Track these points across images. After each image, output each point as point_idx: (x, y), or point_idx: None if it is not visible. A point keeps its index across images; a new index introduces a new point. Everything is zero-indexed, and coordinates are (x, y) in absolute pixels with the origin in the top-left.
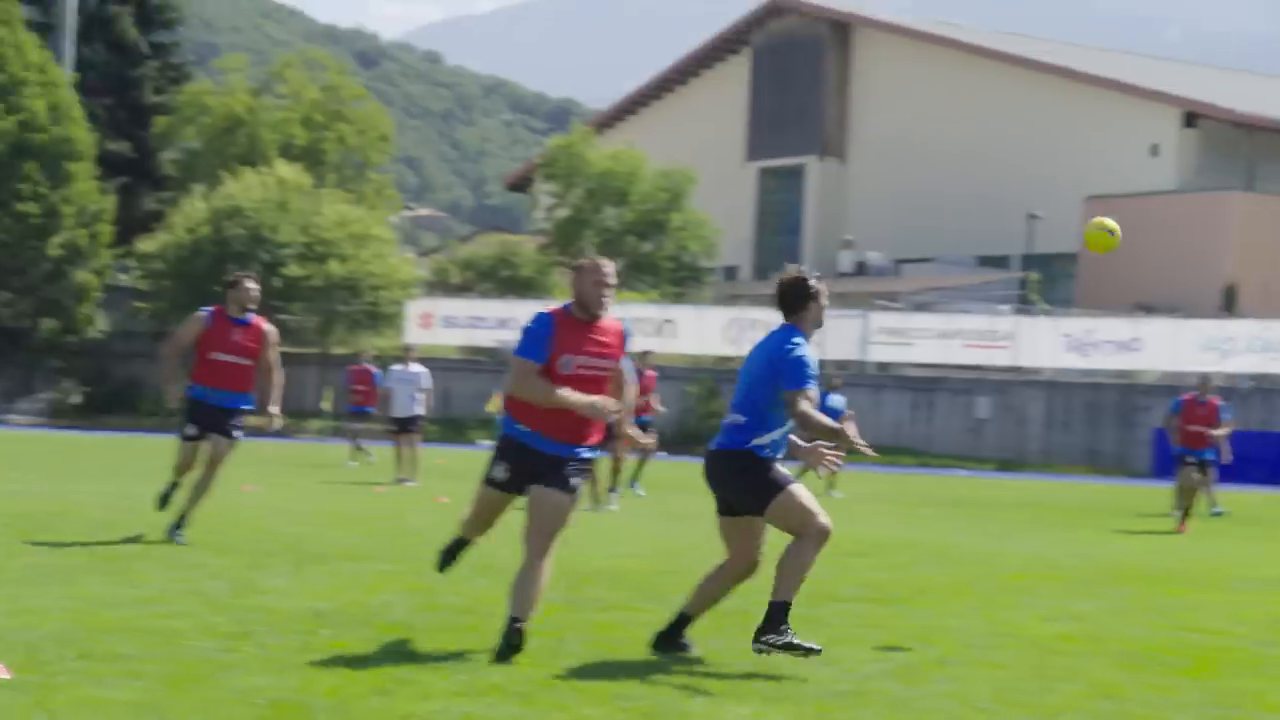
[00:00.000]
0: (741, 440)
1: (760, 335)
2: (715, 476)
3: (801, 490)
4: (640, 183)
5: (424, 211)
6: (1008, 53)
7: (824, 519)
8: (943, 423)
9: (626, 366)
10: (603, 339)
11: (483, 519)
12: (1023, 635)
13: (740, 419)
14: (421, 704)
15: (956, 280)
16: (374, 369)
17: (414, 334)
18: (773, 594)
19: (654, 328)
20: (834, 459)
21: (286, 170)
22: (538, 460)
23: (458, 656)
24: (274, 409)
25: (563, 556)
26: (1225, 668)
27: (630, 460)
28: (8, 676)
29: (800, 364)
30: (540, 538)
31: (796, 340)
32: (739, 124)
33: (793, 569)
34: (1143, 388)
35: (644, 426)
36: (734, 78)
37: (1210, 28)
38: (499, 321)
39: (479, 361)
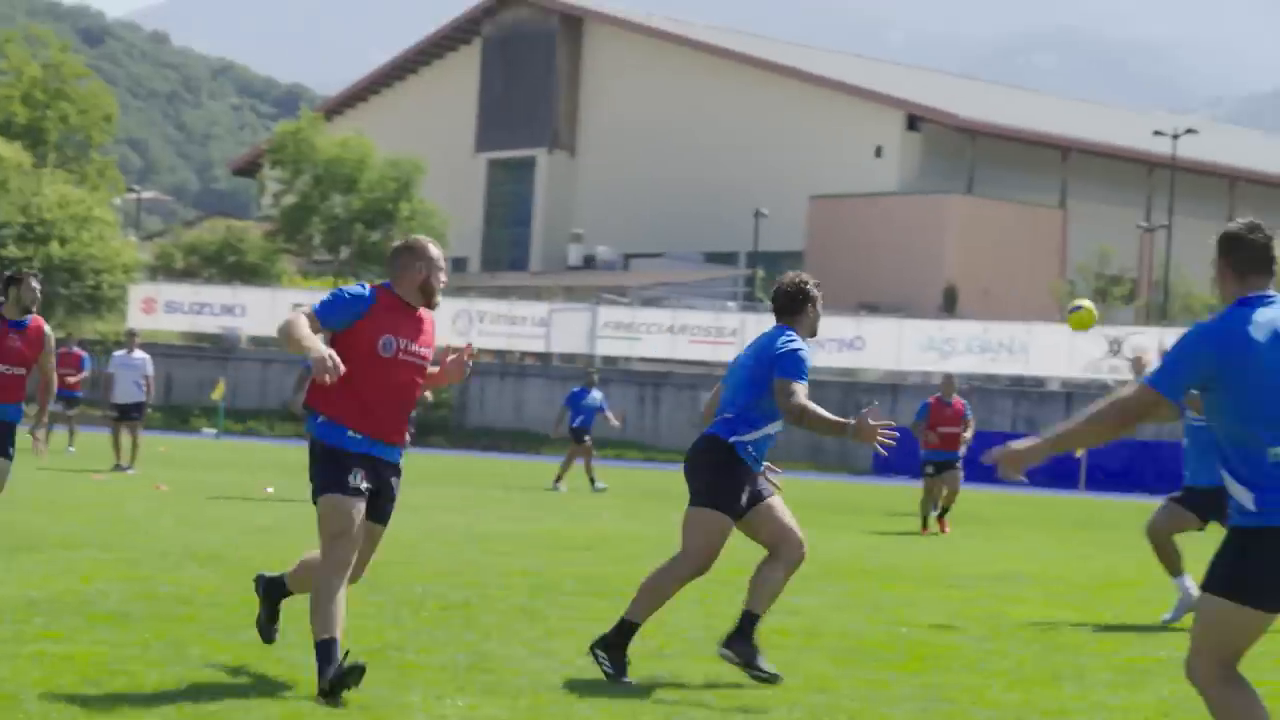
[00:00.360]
0: (726, 432)
1: (490, 326)
2: (689, 461)
3: (726, 522)
4: (369, 171)
5: (148, 194)
6: (737, 51)
7: (709, 559)
8: (669, 417)
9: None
10: (424, 328)
11: (349, 544)
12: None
13: (728, 414)
14: (133, 695)
15: (684, 276)
16: (82, 353)
17: (136, 319)
18: (627, 610)
19: None
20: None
21: (6, 149)
22: (381, 471)
23: (172, 646)
24: (40, 434)
25: (281, 547)
26: (939, 663)
27: None
28: None
29: (797, 357)
30: (362, 567)
31: (793, 336)
32: (469, 115)
33: (653, 589)
34: (865, 386)
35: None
36: (464, 68)
37: (933, 30)
38: (223, 308)
39: (202, 348)
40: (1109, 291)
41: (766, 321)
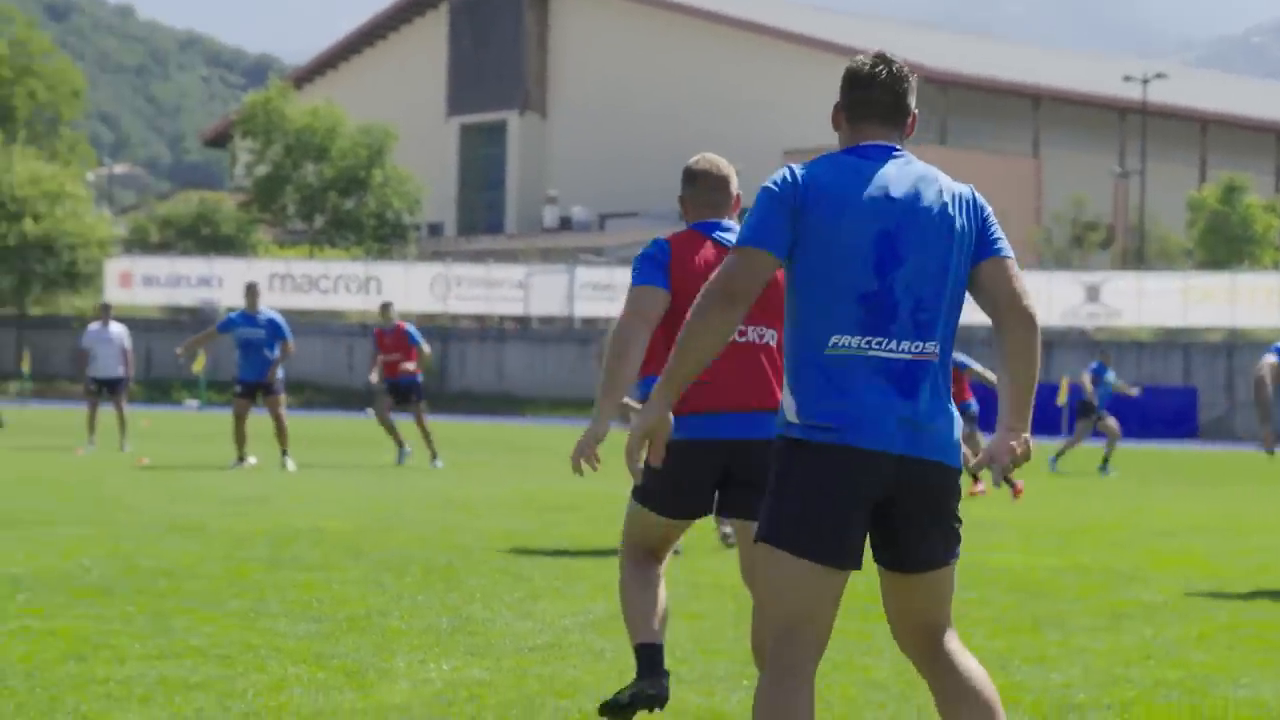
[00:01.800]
0: None
1: (468, 290)
2: None
3: None
4: (340, 139)
5: (120, 168)
6: (704, 8)
7: None
8: None
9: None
10: None
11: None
12: (722, 586)
13: None
14: (117, 668)
15: (660, 233)
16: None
17: (114, 294)
18: None
19: (359, 285)
20: None
21: None
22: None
23: (156, 619)
24: None
25: (264, 517)
26: None
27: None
28: None
29: None
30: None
31: None
32: (439, 80)
33: None
34: None
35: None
36: (433, 33)
37: None
38: (200, 280)
39: (181, 321)
40: (1085, 238)
41: None
